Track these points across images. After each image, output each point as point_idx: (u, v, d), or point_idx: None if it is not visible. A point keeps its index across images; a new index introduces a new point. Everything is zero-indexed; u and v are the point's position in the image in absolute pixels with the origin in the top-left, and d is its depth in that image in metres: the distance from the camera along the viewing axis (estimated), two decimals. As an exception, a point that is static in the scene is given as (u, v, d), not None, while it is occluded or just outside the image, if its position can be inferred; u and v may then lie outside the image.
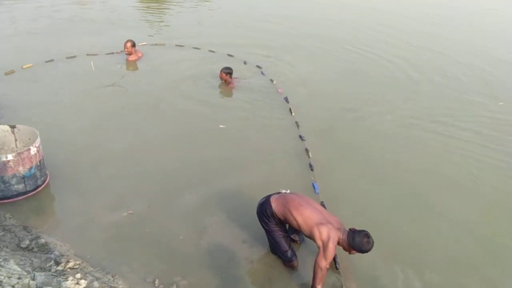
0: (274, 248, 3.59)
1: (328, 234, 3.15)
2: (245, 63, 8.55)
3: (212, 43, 9.54)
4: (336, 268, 3.60)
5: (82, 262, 3.25)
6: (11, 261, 2.72)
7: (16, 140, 4.55)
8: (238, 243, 3.82)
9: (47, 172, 4.51)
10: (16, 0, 12.64)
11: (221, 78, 7.28)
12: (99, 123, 5.81)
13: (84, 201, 4.23)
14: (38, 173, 4.27)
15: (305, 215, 3.26)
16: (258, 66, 8.36)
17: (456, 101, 7.53)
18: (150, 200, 4.29)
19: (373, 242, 3.17)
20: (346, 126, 6.33)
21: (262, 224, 3.55)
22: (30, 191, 4.23)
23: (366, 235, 3.17)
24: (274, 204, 3.42)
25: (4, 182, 4.00)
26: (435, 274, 3.66)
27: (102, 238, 3.74)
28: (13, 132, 4.51)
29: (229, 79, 7.24)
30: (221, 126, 5.99)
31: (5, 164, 3.92)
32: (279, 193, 3.58)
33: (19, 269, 2.62)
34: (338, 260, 3.64)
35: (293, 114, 6.41)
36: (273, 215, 3.42)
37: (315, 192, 4.61)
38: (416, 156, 5.62)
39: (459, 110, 7.15)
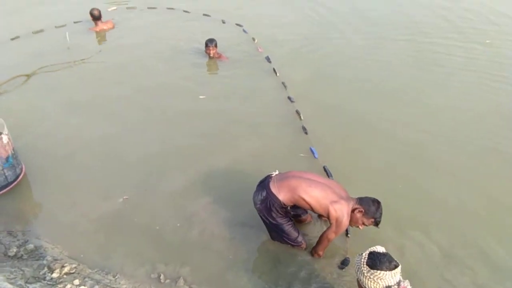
0: (281, 238, 3.40)
1: (342, 212, 3.05)
2: (223, 22, 8.10)
3: (184, 1, 8.95)
4: (347, 235, 3.54)
5: (79, 265, 3.09)
6: (0, 277, 2.56)
7: None
8: (236, 225, 3.67)
9: (21, 161, 4.27)
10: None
11: (209, 53, 6.56)
12: (72, 107, 5.41)
13: (69, 193, 4.00)
14: (15, 162, 4.06)
15: (317, 195, 3.09)
16: (238, 25, 7.91)
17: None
18: (138, 186, 4.08)
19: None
20: (332, 80, 6.10)
21: (267, 219, 3.28)
22: (11, 182, 4.03)
23: (378, 201, 3.11)
24: (282, 194, 3.12)
25: (-17, 178, 3.78)
26: (441, 233, 3.59)
27: (94, 233, 3.55)
28: None
29: (216, 51, 6.57)
30: (201, 97, 5.64)
31: (-20, 159, 3.68)
32: (269, 177, 3.30)
33: (10, 286, 2.46)
34: (349, 228, 3.53)
35: (277, 74, 6.10)
36: (282, 206, 3.18)
37: (314, 157, 4.43)
38: (408, 108, 5.43)
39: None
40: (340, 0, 9.40)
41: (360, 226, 3.19)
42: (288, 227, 3.30)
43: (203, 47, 6.68)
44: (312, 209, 3.16)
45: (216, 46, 6.56)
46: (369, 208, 3.09)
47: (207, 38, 6.61)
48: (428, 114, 5.29)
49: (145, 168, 4.34)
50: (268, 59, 6.55)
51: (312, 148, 4.54)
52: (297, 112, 5.18)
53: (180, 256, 3.34)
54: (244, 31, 7.66)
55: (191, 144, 4.72)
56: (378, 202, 3.12)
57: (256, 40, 7.18)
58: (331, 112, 5.30)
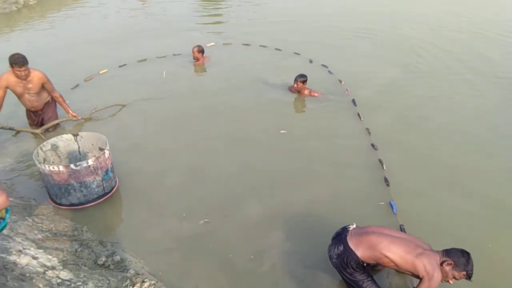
0: None
1: (431, 264, 2.85)
2: (310, 61, 8.35)
3: (277, 39, 9.55)
4: None
5: (157, 282, 3.25)
6: (90, 284, 2.81)
7: (79, 147, 4.78)
8: (306, 266, 3.59)
9: (115, 175, 4.67)
10: (82, 9, 13.46)
11: (297, 88, 6.73)
12: (163, 130, 5.89)
13: (154, 210, 4.27)
14: (112, 175, 4.48)
15: (400, 251, 2.93)
16: (323, 65, 8.08)
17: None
18: (219, 211, 4.24)
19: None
20: (422, 127, 5.88)
21: (344, 275, 3.16)
22: (107, 193, 4.43)
23: (467, 252, 2.90)
24: (360, 251, 2.99)
25: (86, 187, 4.19)
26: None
27: (173, 252, 3.73)
28: (76, 140, 4.74)
29: (302, 87, 6.71)
30: (282, 131, 5.76)
31: (86, 169, 4.11)
32: (346, 229, 3.20)
33: (98, 293, 2.71)
34: None
35: (362, 119, 6.00)
36: (360, 263, 3.05)
37: (393, 212, 4.18)
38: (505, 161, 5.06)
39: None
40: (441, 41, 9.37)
41: (450, 281, 2.94)
42: (368, 283, 3.12)
43: (291, 83, 6.87)
44: (397, 267, 2.99)
45: (303, 82, 6.65)
46: (459, 260, 2.86)
47: (295, 74, 6.74)
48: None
49: (226, 195, 4.50)
50: (354, 102, 6.51)
51: (392, 203, 4.28)
52: (380, 162, 4.98)
53: (250, 288, 3.37)
54: (330, 72, 7.77)
55: (271, 176, 4.82)
56: (468, 253, 2.89)
57: (343, 82, 7.22)
58: (417, 164, 5.03)
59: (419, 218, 4.12)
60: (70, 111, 5.88)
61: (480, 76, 7.71)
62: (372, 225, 3.25)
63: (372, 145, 5.36)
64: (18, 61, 5.16)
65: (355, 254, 3.02)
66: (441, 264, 2.91)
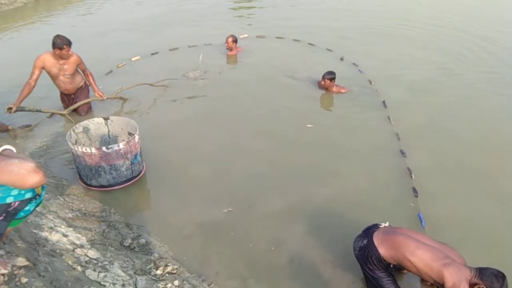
0: None
1: (459, 277, 2.69)
2: (341, 59, 8.21)
3: (311, 32, 9.53)
4: None
5: (180, 267, 3.33)
6: (116, 264, 2.90)
7: (109, 131, 4.91)
8: (325, 262, 3.57)
9: (143, 160, 4.77)
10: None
11: (324, 85, 6.72)
12: (191, 120, 5.96)
13: (179, 197, 4.34)
14: (140, 159, 4.58)
15: (426, 258, 2.83)
16: (354, 64, 7.94)
17: None
18: (242, 201, 4.27)
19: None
20: (455, 134, 5.57)
21: (364, 270, 3.16)
22: (135, 177, 4.54)
23: (502, 275, 2.69)
24: (383, 249, 2.96)
25: (116, 170, 4.31)
26: None
27: (196, 238, 3.80)
28: (106, 124, 4.87)
29: (330, 84, 6.67)
30: (308, 125, 5.73)
31: (117, 152, 4.23)
32: (377, 226, 3.16)
33: (123, 274, 2.79)
34: None
35: (392, 122, 5.77)
36: (381, 260, 3.03)
37: (421, 225, 3.93)
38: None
39: None
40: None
41: None
42: (387, 282, 3.09)
43: (320, 79, 6.80)
44: (419, 273, 2.90)
45: (330, 80, 6.61)
46: (493, 285, 2.66)
47: (325, 71, 6.70)
48: None
49: (251, 186, 4.53)
50: (384, 104, 6.34)
51: (420, 215, 4.07)
52: (409, 170, 4.75)
53: (268, 279, 3.40)
54: (360, 71, 7.63)
55: (296, 170, 4.81)
56: (503, 277, 2.69)
57: (373, 83, 7.07)
58: (449, 172, 4.77)
59: (448, 230, 3.94)
60: (97, 90, 5.99)
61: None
62: (404, 228, 3.19)
63: (401, 152, 5.14)
64: (67, 41, 5.40)
65: (377, 250, 3.01)
66: (472, 286, 2.72)
